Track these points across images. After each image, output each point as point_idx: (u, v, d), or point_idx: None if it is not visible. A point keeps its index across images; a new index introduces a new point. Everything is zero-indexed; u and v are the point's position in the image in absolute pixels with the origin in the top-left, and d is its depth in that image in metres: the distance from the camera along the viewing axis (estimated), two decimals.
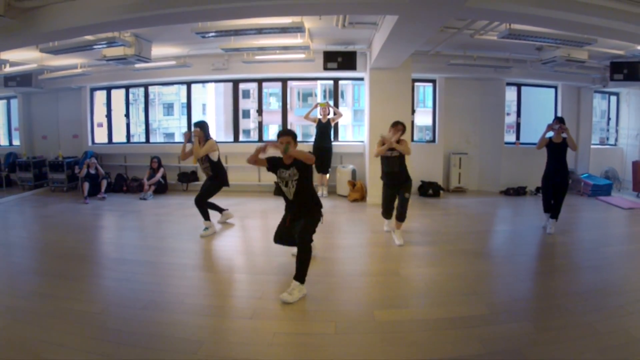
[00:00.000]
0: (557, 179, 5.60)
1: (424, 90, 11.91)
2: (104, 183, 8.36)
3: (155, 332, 3.02)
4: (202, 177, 9.11)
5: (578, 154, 9.12)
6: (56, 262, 4.59)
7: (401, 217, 5.07)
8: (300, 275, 3.54)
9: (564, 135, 5.49)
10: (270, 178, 8.90)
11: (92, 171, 8.30)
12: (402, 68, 7.34)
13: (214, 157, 5.64)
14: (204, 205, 5.63)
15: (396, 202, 5.18)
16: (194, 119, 7.55)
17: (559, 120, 5.59)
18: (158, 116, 21.50)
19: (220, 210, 5.99)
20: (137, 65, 7.43)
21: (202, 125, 5.65)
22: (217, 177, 5.71)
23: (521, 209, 7.52)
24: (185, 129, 8.89)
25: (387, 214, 5.36)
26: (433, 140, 9.04)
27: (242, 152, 9.26)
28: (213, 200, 5.77)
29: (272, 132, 15.47)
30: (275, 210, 7.15)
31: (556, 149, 5.57)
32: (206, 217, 5.61)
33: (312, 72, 8.53)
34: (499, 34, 5.47)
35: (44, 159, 9.39)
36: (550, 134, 5.57)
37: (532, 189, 8.61)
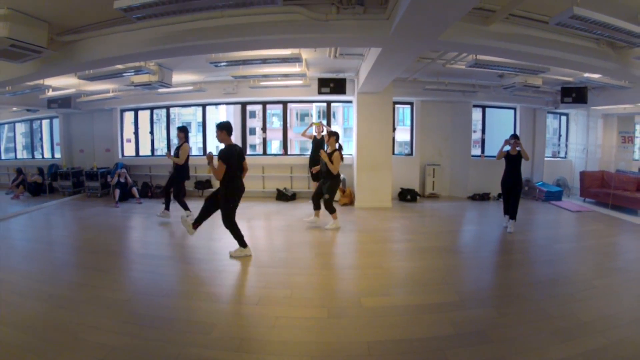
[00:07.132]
0: (512, 181, 5.72)
1: (403, 111, 11.94)
2: (135, 190, 8.36)
3: (174, 316, 3.02)
4: (216, 184, 9.16)
5: (534, 165, 9.22)
6: (91, 257, 4.58)
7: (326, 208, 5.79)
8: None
9: (519, 148, 5.65)
10: (272, 185, 8.94)
11: (122, 180, 8.28)
12: (385, 92, 7.40)
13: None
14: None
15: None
16: (209, 136, 7.56)
17: (514, 136, 5.76)
18: None
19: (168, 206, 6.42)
20: (160, 90, 7.47)
21: (183, 129, 6.28)
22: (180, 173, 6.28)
23: (485, 212, 7.55)
24: (198, 145, 8.82)
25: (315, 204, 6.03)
26: (411, 154, 9.07)
27: (249, 164, 9.27)
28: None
29: (274, 147, 15.41)
30: (276, 213, 7.16)
31: (512, 160, 5.73)
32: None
33: (308, 96, 8.55)
34: (467, 64, 5.52)
35: (81, 169, 9.40)
36: (507, 147, 5.74)
37: (495, 195, 8.65)
